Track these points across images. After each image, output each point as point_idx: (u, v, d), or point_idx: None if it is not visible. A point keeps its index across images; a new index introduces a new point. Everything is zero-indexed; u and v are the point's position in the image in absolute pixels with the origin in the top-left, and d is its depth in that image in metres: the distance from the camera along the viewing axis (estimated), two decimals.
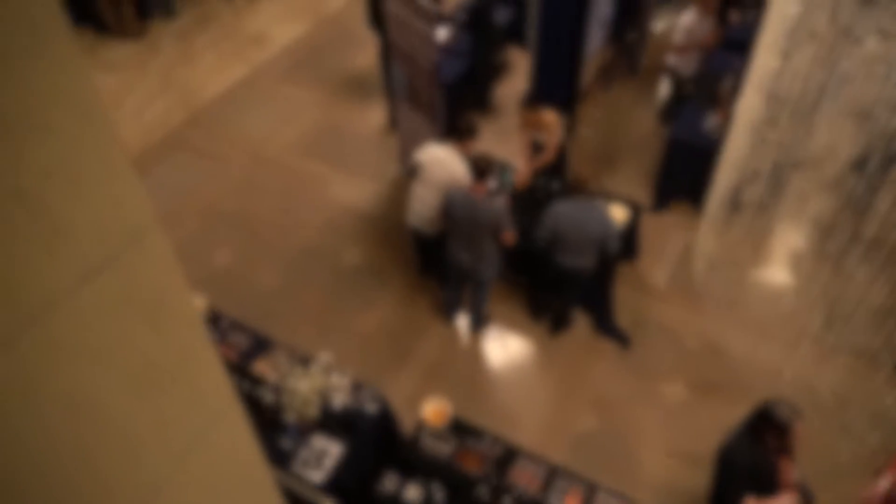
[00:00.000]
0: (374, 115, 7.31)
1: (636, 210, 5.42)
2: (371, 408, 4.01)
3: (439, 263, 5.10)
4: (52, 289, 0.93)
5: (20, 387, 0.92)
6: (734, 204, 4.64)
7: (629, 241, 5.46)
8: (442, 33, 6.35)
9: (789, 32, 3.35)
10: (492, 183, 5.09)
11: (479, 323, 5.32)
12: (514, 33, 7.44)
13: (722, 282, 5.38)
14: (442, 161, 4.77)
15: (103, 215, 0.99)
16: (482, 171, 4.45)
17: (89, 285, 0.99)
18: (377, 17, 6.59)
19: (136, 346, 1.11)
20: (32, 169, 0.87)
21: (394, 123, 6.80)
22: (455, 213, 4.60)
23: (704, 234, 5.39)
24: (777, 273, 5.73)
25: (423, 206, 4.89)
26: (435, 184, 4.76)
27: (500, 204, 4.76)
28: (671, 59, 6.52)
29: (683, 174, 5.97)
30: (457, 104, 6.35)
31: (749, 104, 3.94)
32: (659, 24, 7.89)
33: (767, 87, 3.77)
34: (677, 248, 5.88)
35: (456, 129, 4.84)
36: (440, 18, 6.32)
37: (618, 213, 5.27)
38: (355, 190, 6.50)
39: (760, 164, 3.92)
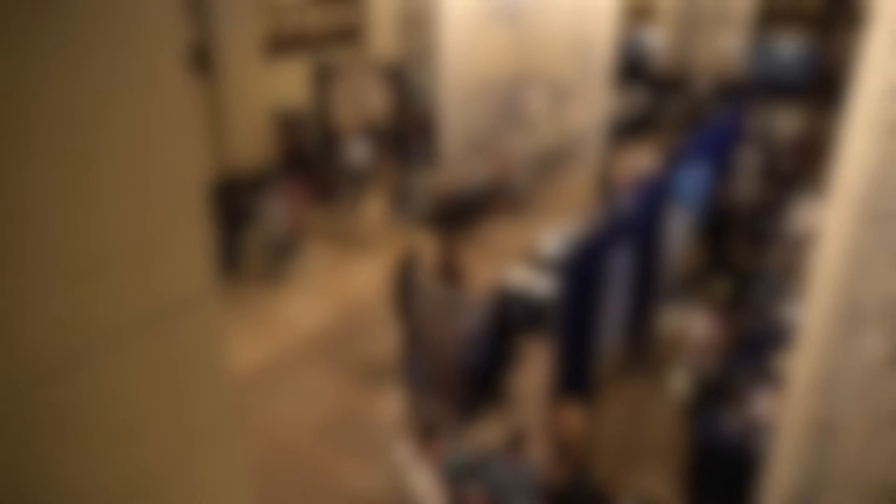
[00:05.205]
0: (392, 402, 7.32)
1: None
2: None
3: None
4: None
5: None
6: None
7: None
8: (463, 322, 6.64)
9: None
10: None
11: None
12: (533, 322, 7.78)
13: None
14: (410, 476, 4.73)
15: None
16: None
17: None
18: (402, 305, 6.97)
19: None
20: None
21: (411, 411, 6.78)
22: None
23: None
24: None
25: None
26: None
27: None
28: (686, 358, 6.70)
29: (712, 475, 5.75)
30: (474, 395, 6.39)
31: (792, 415, 3.77)
32: (669, 321, 8.25)
33: (811, 395, 3.61)
34: None
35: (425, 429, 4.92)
36: (462, 307, 6.66)
37: None
38: (368, 480, 6.24)
39: (816, 487, 3.62)
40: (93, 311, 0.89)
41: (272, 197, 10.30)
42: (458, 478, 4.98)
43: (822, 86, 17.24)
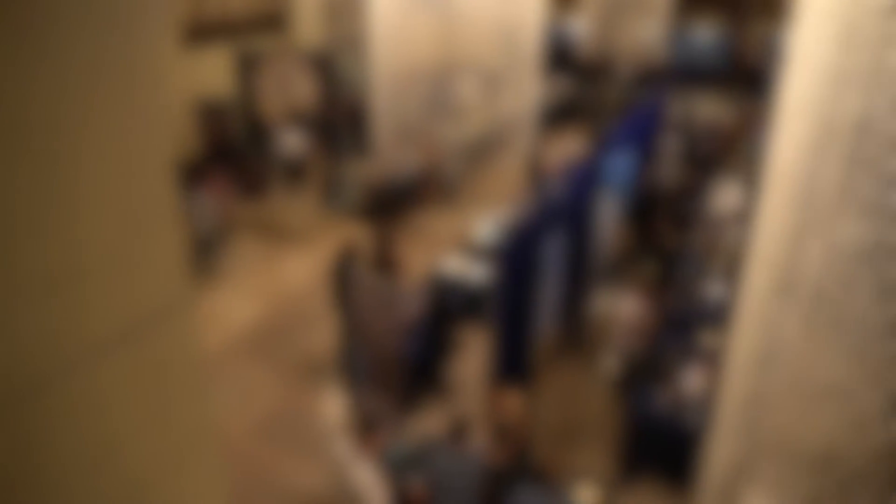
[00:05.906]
0: (331, 397, 7.22)
1: (607, 490, 5.27)
2: None
3: None
4: None
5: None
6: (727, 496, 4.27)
7: None
8: (400, 312, 6.60)
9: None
10: None
11: None
12: (470, 310, 7.83)
13: None
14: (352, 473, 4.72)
15: None
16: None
17: None
18: (341, 298, 6.87)
19: None
20: None
21: (351, 405, 6.71)
22: None
23: None
24: None
25: None
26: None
27: None
28: (617, 339, 6.88)
29: (647, 451, 5.95)
30: (413, 385, 6.39)
31: (729, 390, 3.84)
32: (601, 304, 8.46)
33: (748, 365, 3.67)
34: None
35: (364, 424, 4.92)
36: (399, 296, 6.62)
37: (586, 498, 5.09)
38: (310, 476, 6.15)
39: (753, 459, 3.74)
40: (83, 320, 0.89)
41: (197, 190, 9.95)
42: (401, 469, 4.96)
43: (737, 73, 17.99)
